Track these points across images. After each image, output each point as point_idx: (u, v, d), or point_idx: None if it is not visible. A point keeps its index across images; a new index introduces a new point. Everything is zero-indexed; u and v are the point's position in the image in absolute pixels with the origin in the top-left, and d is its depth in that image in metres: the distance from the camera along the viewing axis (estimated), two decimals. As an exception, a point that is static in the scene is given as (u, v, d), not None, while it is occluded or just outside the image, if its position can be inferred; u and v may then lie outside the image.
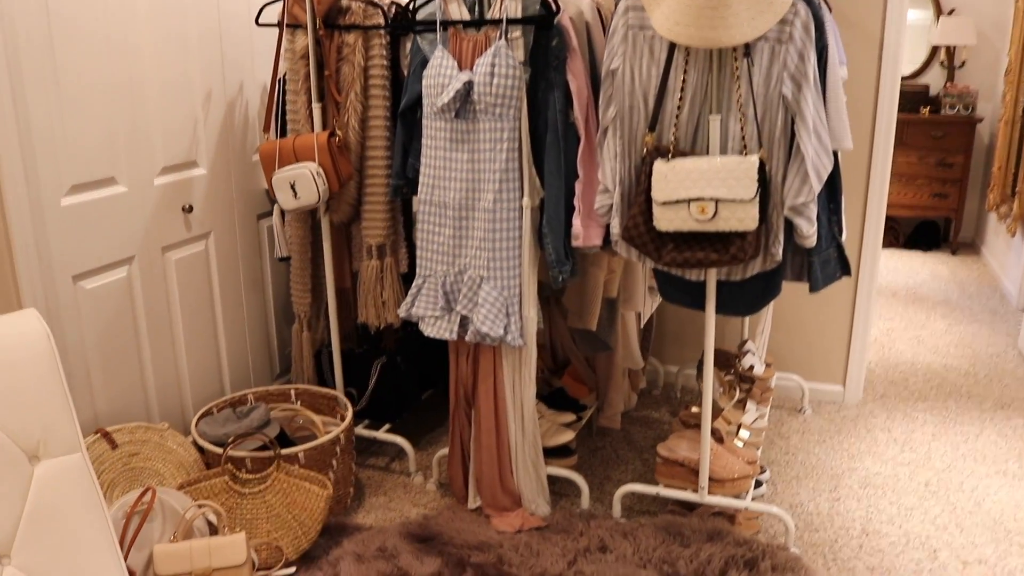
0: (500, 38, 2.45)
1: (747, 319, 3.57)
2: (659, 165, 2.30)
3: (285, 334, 3.53)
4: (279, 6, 3.01)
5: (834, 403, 3.64)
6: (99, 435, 2.58)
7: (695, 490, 2.70)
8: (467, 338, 2.65)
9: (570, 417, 3.03)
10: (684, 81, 2.32)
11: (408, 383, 3.27)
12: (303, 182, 2.77)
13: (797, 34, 2.20)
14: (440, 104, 2.53)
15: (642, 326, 3.14)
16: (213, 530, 2.56)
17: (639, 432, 3.41)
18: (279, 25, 2.87)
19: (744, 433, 2.92)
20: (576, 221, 2.54)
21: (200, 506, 2.52)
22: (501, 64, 2.43)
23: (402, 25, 2.74)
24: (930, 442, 3.31)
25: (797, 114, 2.23)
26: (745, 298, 2.48)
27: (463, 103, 2.53)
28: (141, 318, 2.78)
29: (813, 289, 2.40)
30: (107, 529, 1.70)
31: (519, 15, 2.45)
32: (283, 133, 3.04)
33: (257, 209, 3.28)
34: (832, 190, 2.38)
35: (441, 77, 2.54)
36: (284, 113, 2.99)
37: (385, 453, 3.30)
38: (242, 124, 3.15)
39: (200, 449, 2.77)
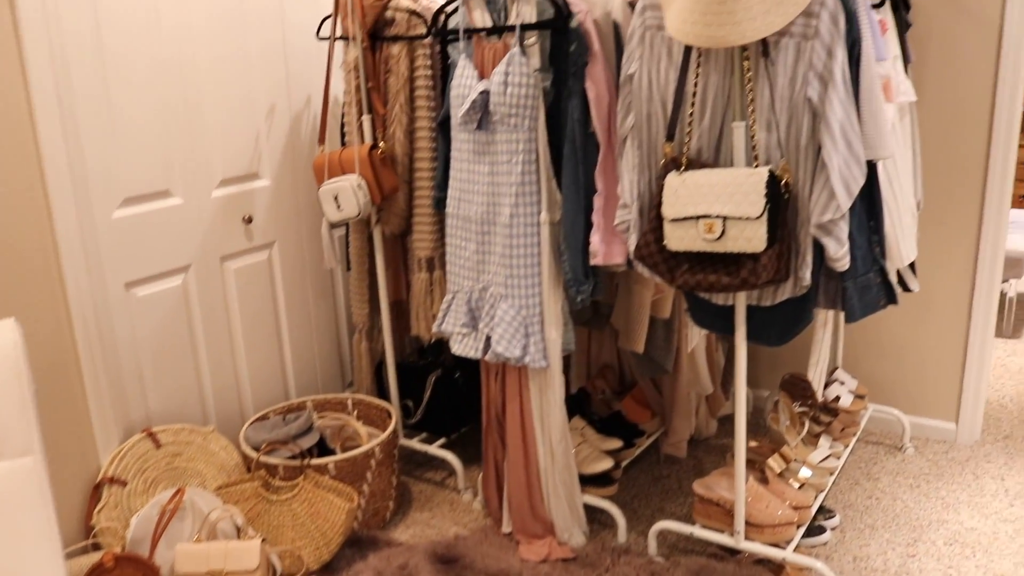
0: (516, 45, 2.34)
1: (840, 342, 3.20)
2: (671, 178, 2.10)
3: (359, 343, 3.57)
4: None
5: (944, 442, 3.18)
6: (145, 434, 2.71)
7: (732, 533, 2.46)
8: (486, 357, 2.56)
9: (616, 443, 2.85)
10: (703, 86, 2.11)
11: (464, 398, 3.21)
12: (344, 195, 2.79)
13: (824, 28, 1.94)
14: (460, 115, 2.46)
15: (688, 351, 2.90)
16: (241, 534, 2.63)
17: (712, 462, 3.15)
18: (330, 39, 2.90)
19: (805, 472, 2.62)
20: (595, 238, 2.37)
21: (224, 510, 2.59)
22: (514, 72, 2.32)
23: (433, 34, 2.69)
24: (1057, 497, 2.83)
25: (822, 119, 1.96)
26: (776, 325, 2.22)
27: (483, 114, 2.44)
28: (198, 324, 2.90)
29: (849, 319, 2.11)
30: (53, 529, 1.78)
31: (534, 20, 2.33)
32: (343, 145, 3.07)
33: (327, 219, 3.34)
34: (871, 206, 2.08)
35: (462, 88, 2.46)
36: (344, 126, 3.03)
37: (443, 468, 3.26)
38: (309, 136, 3.22)
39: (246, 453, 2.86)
